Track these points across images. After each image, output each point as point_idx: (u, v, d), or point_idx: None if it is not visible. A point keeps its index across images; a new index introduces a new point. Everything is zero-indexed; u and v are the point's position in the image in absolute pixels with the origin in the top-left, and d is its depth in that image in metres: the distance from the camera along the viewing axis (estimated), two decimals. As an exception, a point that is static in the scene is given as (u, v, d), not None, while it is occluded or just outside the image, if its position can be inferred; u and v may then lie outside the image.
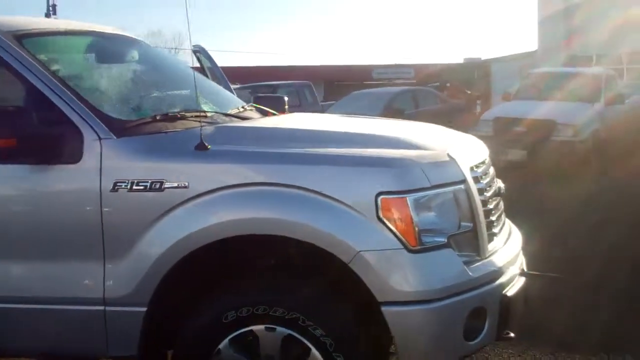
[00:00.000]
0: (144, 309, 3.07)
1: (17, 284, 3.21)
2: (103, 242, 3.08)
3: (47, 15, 49.64)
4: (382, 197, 2.89)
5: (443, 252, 2.98)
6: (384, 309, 2.90)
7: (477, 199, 3.15)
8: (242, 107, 4.06)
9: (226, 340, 3.04)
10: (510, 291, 3.21)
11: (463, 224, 3.09)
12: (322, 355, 2.95)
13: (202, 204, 3.00)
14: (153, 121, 3.28)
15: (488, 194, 3.34)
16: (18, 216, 3.21)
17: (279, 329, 2.97)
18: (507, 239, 3.56)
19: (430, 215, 2.99)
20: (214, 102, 4.12)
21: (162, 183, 3.02)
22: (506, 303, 3.15)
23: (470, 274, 3.02)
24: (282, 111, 4.97)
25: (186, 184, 3.01)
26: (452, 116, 16.92)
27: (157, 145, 3.13)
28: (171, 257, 3.01)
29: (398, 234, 2.89)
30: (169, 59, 4.65)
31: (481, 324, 3.08)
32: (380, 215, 2.89)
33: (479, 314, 3.06)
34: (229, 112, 3.84)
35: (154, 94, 3.81)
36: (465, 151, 3.36)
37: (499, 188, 3.59)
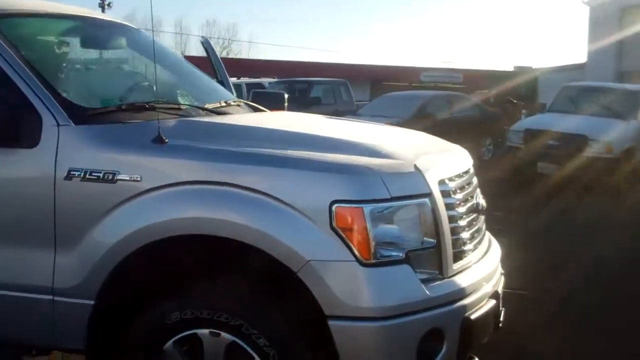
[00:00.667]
0: (92, 302, 2.99)
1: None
2: (55, 230, 3.01)
3: (102, 6, 50.33)
4: (336, 205, 2.75)
5: (399, 268, 2.83)
6: (330, 322, 2.76)
7: (444, 214, 2.99)
8: (225, 102, 3.94)
9: (170, 342, 2.93)
10: (475, 313, 3.04)
11: (426, 239, 2.94)
12: (271, 365, 2.82)
13: (152, 199, 2.90)
14: (117, 110, 3.19)
15: (461, 210, 3.17)
16: None
17: (224, 334, 2.86)
18: (482, 256, 3.38)
19: (389, 228, 2.83)
20: (199, 95, 4.02)
21: (114, 174, 2.93)
22: (468, 326, 2.98)
23: (428, 292, 2.86)
24: (280, 108, 4.86)
25: (138, 177, 2.91)
26: (488, 125, 16.61)
27: (115, 135, 3.04)
28: (119, 251, 2.92)
29: (351, 245, 2.75)
30: (160, 49, 4.55)
31: (438, 347, 2.92)
32: (334, 224, 2.75)
33: (435, 336, 2.90)
34: (206, 107, 3.73)
35: (131, 83, 3.72)
36: (440, 163, 3.20)
37: (477, 204, 3.42)
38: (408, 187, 2.90)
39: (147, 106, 3.35)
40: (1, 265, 3.09)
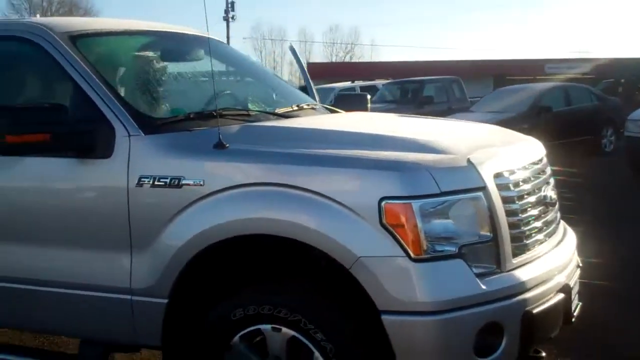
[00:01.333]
0: (165, 301, 3.17)
1: (54, 269, 3.42)
2: (130, 234, 3.22)
3: (227, 12, 51.97)
4: (385, 202, 2.80)
5: (452, 263, 2.84)
6: (383, 317, 2.81)
7: (500, 208, 2.96)
8: (297, 106, 4.06)
9: (237, 337, 3.07)
10: (538, 308, 3.00)
11: (481, 233, 2.92)
12: (324, 360, 2.91)
13: (215, 201, 3.05)
14: (185, 119, 3.37)
15: (524, 202, 3.12)
16: (56, 207, 3.42)
17: (284, 329, 2.96)
18: (552, 249, 3.32)
19: (440, 223, 2.84)
20: (276, 99, 4.17)
21: (180, 180, 3.10)
22: (529, 320, 2.94)
23: (483, 287, 2.85)
24: (363, 109, 4.93)
25: (202, 181, 3.07)
26: (610, 115, 15.90)
27: (180, 142, 3.22)
28: (187, 252, 3.09)
29: (401, 241, 2.79)
30: (238, 58, 4.74)
31: (498, 341, 2.90)
32: (384, 221, 2.80)
33: (494, 330, 2.89)
34: (276, 111, 3.86)
35: (208, 93, 3.91)
36: (499, 156, 3.16)
37: (546, 196, 3.35)
38: (460, 182, 2.90)
39: (214, 114, 3.52)
40: (83, 267, 3.34)
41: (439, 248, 2.83)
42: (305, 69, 5.86)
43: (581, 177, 10.59)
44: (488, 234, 2.93)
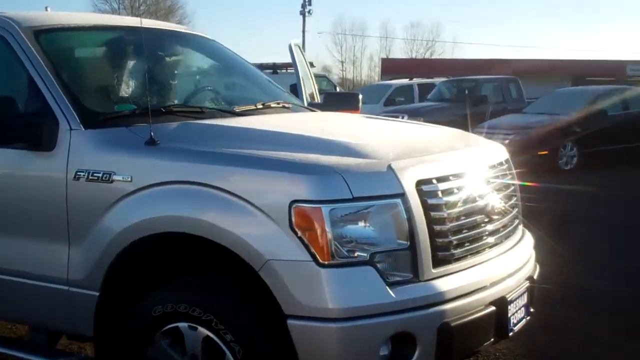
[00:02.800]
0: (97, 294, 3.23)
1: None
2: (68, 227, 3.29)
3: (303, 14, 52.24)
4: (295, 205, 2.77)
5: (361, 270, 2.79)
6: (289, 321, 2.79)
7: (420, 216, 2.89)
8: (263, 105, 4.05)
9: (159, 334, 3.10)
10: (459, 320, 2.91)
11: (398, 241, 2.86)
12: (235, 361, 2.90)
13: (140, 198, 3.09)
14: (129, 115, 3.40)
15: (451, 210, 3.04)
16: (1, 196, 3.52)
17: (200, 328, 2.97)
18: (489, 260, 3.22)
19: (351, 229, 2.80)
20: (245, 96, 4.19)
21: (110, 175, 3.15)
22: (446, 332, 2.86)
23: (393, 295, 2.79)
24: (354, 109, 4.89)
25: (130, 177, 3.11)
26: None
27: (116, 138, 3.27)
28: (114, 247, 3.14)
29: (310, 246, 2.76)
30: (224, 55, 4.76)
31: (410, 352, 2.84)
32: (293, 224, 2.77)
33: (405, 341, 2.83)
34: (234, 109, 3.86)
35: (165, 88, 3.96)
36: (429, 163, 3.08)
37: (488, 205, 3.24)
38: (375, 188, 2.85)
39: (163, 110, 3.56)
40: (27, 256, 3.43)
41: (348, 254, 2.79)
42: (307, 68, 5.88)
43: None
44: (404, 242, 2.87)
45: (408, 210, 2.87)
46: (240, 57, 4.83)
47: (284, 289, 2.78)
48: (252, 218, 2.83)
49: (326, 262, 2.75)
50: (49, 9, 5.46)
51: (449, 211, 3.04)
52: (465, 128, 15.68)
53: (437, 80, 20.79)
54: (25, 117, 3.35)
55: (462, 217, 3.12)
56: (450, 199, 3.07)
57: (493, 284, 3.17)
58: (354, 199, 2.79)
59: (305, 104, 4.96)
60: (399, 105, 18.99)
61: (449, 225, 3.03)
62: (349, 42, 68.78)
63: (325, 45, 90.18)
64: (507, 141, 13.53)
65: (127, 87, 3.66)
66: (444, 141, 3.51)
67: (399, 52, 65.52)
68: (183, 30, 4.60)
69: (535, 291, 3.58)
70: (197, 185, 2.95)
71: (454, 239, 3.05)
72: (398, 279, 2.85)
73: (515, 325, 3.31)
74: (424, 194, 2.95)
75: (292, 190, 2.79)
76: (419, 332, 2.84)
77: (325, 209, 2.75)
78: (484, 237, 3.26)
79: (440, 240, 2.98)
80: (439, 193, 3.02)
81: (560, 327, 4.87)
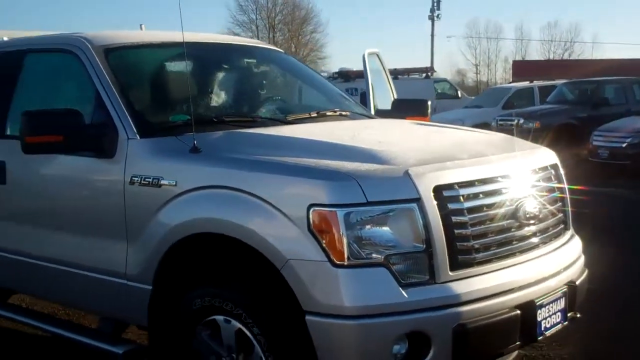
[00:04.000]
0: (150, 287, 3.54)
1: (70, 252, 3.92)
2: (126, 226, 3.62)
3: (431, 18, 51.99)
4: (313, 209, 2.94)
5: (375, 270, 2.92)
6: (307, 318, 2.96)
7: (437, 220, 2.98)
8: (317, 113, 4.24)
9: (200, 326, 3.35)
10: (477, 322, 2.98)
11: (413, 244, 2.97)
12: (262, 353, 3.11)
13: (183, 201, 3.36)
14: (181, 125, 3.68)
15: (474, 215, 3.10)
16: (72, 199, 3.92)
17: (233, 322, 3.20)
18: (519, 264, 3.25)
19: (365, 232, 2.94)
20: (301, 106, 4.41)
21: (159, 180, 3.44)
22: (462, 333, 2.94)
23: (406, 295, 2.90)
24: (422, 115, 4.99)
25: (175, 182, 3.39)
26: None
27: (165, 146, 3.56)
28: (162, 246, 3.43)
29: (326, 247, 2.92)
30: (291, 65, 5.00)
31: (424, 352, 2.94)
32: (311, 226, 2.94)
33: (419, 340, 2.93)
34: (286, 118, 4.08)
35: (223, 98, 4.23)
36: (454, 169, 3.15)
37: (519, 211, 3.27)
38: (390, 192, 2.96)
39: (215, 120, 3.83)
40: (91, 253, 3.79)
41: (363, 256, 2.92)
42: (387, 76, 6.01)
43: None
44: (420, 245, 2.97)
45: (424, 215, 2.96)
46: (310, 68, 5.04)
47: (302, 287, 2.96)
48: (275, 220, 3.03)
49: (341, 263, 2.90)
50: (143, 26, 5.90)
51: (472, 215, 3.11)
52: (583, 131, 15.10)
53: (559, 82, 20.14)
54: (90, 128, 3.70)
55: (488, 222, 3.18)
56: (475, 203, 3.14)
57: (520, 288, 3.20)
58: (369, 203, 2.92)
59: (373, 112, 5.09)
60: (517, 109, 18.57)
61: (472, 229, 3.10)
62: (483, 45, 67.44)
63: (459, 48, 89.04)
64: (624, 144, 13.02)
65: (185, 99, 3.94)
66: (480, 147, 3.55)
67: (535, 53, 63.55)
68: (251, 44, 4.88)
69: (578, 296, 3.55)
70: (229, 189, 3.19)
71: (477, 242, 3.11)
72: (414, 280, 2.96)
73: (547, 329, 3.32)
74: (444, 198, 3.04)
75: (311, 194, 2.96)
76: (433, 332, 2.93)
77: (340, 212, 2.91)
78: (514, 242, 3.29)
79: (461, 244, 3.06)
80: (461, 198, 3.09)
81: (621, 335, 4.75)
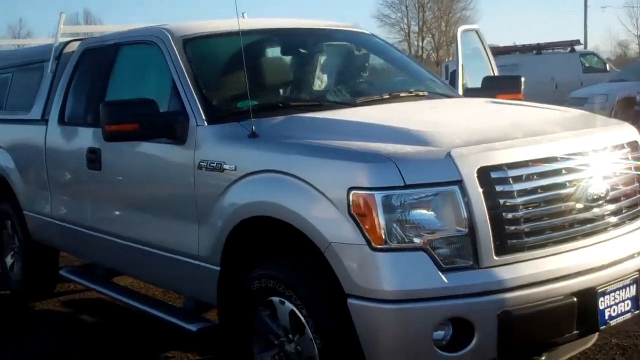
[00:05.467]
0: (218, 268, 3.68)
1: (150, 234, 4.15)
2: (197, 210, 3.78)
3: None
4: (353, 192, 2.95)
5: (413, 254, 2.89)
6: (348, 301, 2.98)
7: (481, 203, 2.89)
8: (389, 94, 4.20)
9: (260, 306, 3.45)
10: (524, 309, 2.87)
11: (455, 228, 2.90)
12: (311, 334, 3.16)
13: (241, 185, 3.47)
14: (245, 110, 3.76)
15: (525, 198, 2.98)
16: (152, 183, 4.14)
17: (287, 303, 3.27)
18: (579, 249, 3.09)
19: (404, 215, 2.90)
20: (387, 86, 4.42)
21: (222, 164, 3.57)
22: (508, 321, 2.85)
23: (445, 280, 2.85)
24: (515, 92, 4.83)
25: (234, 167, 3.50)
26: None
27: (228, 132, 3.67)
28: (225, 228, 3.56)
29: (364, 230, 2.92)
30: (379, 47, 4.99)
31: (467, 339, 2.88)
32: (351, 209, 2.95)
33: (462, 326, 2.87)
34: (355, 101, 4.08)
35: (294, 83, 4.29)
36: (506, 147, 3.04)
37: (584, 192, 3.10)
38: (430, 175, 2.91)
39: (281, 105, 3.90)
40: (170, 234, 3.99)
41: (401, 239, 2.89)
42: (487, 53, 5.83)
43: None
44: (463, 228, 2.90)
45: (467, 197, 2.89)
46: (396, 49, 5.00)
47: (344, 270, 2.97)
48: (319, 203, 3.06)
49: (379, 246, 2.89)
50: (245, 14, 6.07)
51: (524, 198, 2.99)
52: None
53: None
54: (164, 116, 3.88)
55: (544, 204, 3.04)
56: (528, 185, 3.02)
57: (578, 274, 3.04)
58: (407, 186, 2.89)
59: (461, 91, 4.97)
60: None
61: (523, 212, 2.98)
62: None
63: (618, 19, 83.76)
64: None
65: (253, 85, 4.02)
66: (544, 126, 3.38)
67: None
68: (330, 27, 4.88)
69: None
70: (279, 173, 3.25)
71: (529, 226, 2.99)
72: (456, 265, 2.90)
73: (612, 318, 3.14)
74: (491, 180, 2.94)
75: (350, 177, 2.97)
76: (476, 319, 2.86)
77: (378, 195, 2.89)
78: (576, 225, 3.13)
79: (510, 227, 2.95)
80: (510, 180, 2.98)
81: None
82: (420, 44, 55.83)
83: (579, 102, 15.98)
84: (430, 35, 55.80)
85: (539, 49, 23.00)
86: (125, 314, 5.38)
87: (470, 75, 5.59)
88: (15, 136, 5.92)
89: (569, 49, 22.92)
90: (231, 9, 3.84)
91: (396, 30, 55.54)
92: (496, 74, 5.93)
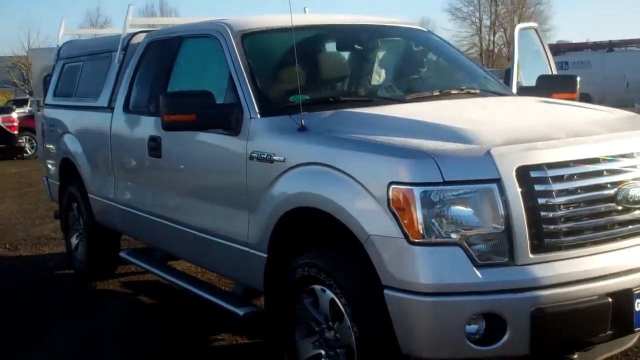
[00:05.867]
0: (265, 255, 3.83)
1: (204, 220, 4.34)
2: (247, 198, 3.94)
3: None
4: (393, 186, 3.04)
5: (448, 249, 2.96)
6: (385, 292, 3.08)
7: (519, 201, 2.95)
8: (439, 91, 4.27)
9: (303, 293, 3.58)
10: (557, 308, 2.92)
11: (492, 225, 2.97)
12: (349, 322, 3.27)
13: (289, 176, 3.61)
14: (296, 104, 3.88)
15: (564, 198, 3.02)
16: (208, 171, 4.32)
17: (327, 291, 3.39)
18: (618, 251, 3.12)
19: (442, 210, 2.98)
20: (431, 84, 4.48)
21: (272, 156, 3.71)
22: (540, 318, 2.90)
23: (480, 276, 2.92)
24: (570, 92, 4.83)
25: (283, 158, 3.64)
26: None
27: (279, 125, 3.81)
28: (273, 217, 3.70)
29: (403, 224, 3.01)
30: (434, 45, 5.06)
31: (499, 334, 2.94)
32: (390, 203, 3.05)
33: (495, 322, 2.94)
34: (405, 97, 4.16)
35: (349, 78, 4.39)
36: (547, 147, 3.08)
37: (621, 194, 3.12)
38: (469, 172, 2.98)
39: (331, 99, 4.02)
40: (223, 221, 4.17)
41: (438, 234, 2.97)
42: (546, 51, 5.81)
43: None
44: (499, 226, 2.96)
45: (504, 196, 2.95)
46: (451, 45, 5.05)
47: (382, 262, 3.07)
48: (360, 196, 3.17)
49: (417, 240, 2.98)
50: (306, 9, 6.20)
51: (563, 198, 3.03)
52: None
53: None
54: (220, 107, 4.05)
55: (583, 204, 3.07)
56: (568, 185, 3.06)
57: (615, 275, 3.07)
58: (446, 183, 2.96)
59: (515, 89, 4.98)
60: None
61: (561, 212, 3.02)
62: None
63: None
64: None
65: (306, 80, 4.14)
66: (588, 127, 3.39)
67: None
68: (387, 24, 4.97)
69: None
70: (324, 166, 3.37)
71: (567, 226, 3.03)
72: (491, 261, 2.96)
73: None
74: (530, 180, 2.99)
75: (391, 172, 3.06)
76: (508, 314, 2.91)
77: (417, 190, 2.98)
78: (616, 226, 3.15)
79: (548, 226, 3.00)
80: (549, 179, 3.02)
81: None
82: (491, 38, 55.10)
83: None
84: (502, 30, 54.93)
85: (610, 46, 22.49)
86: (180, 297, 5.60)
87: (528, 73, 5.59)
88: (83, 122, 6.22)
89: (642, 46, 22.38)
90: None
91: (467, 24, 55.09)
92: (554, 72, 5.90)
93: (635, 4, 76.10)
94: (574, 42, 24.21)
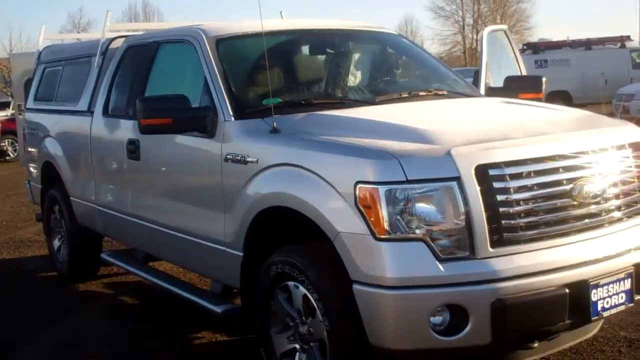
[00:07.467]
0: (241, 254, 3.97)
1: (182, 221, 4.47)
2: (223, 199, 4.07)
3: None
4: (359, 185, 3.19)
5: (413, 245, 3.11)
6: (354, 286, 3.22)
7: (477, 198, 3.10)
8: (408, 93, 4.42)
9: (278, 289, 3.72)
10: (516, 298, 3.08)
11: (453, 221, 3.12)
12: (321, 317, 3.41)
13: (261, 177, 3.75)
14: (269, 107, 4.02)
15: (521, 195, 3.18)
16: (183, 172, 4.45)
17: (300, 287, 3.53)
18: (573, 244, 3.28)
19: (405, 208, 3.12)
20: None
21: (245, 157, 3.85)
22: (500, 308, 3.06)
23: (442, 269, 3.07)
24: (536, 92, 4.99)
25: (256, 160, 3.77)
26: None
27: (252, 127, 3.95)
28: (248, 217, 3.84)
29: (369, 221, 3.16)
30: (407, 49, 5.22)
31: (462, 324, 3.09)
32: (358, 202, 3.19)
33: (457, 313, 3.08)
34: (375, 99, 4.31)
35: (319, 82, 4.54)
36: (505, 147, 3.24)
37: (576, 190, 3.28)
38: (430, 171, 3.13)
39: (303, 102, 4.16)
40: (199, 221, 4.30)
41: (402, 230, 3.12)
42: (515, 53, 5.98)
43: None
44: (460, 222, 3.11)
45: (464, 193, 3.10)
46: (420, 48, 5.20)
47: (350, 258, 3.22)
48: (330, 196, 3.31)
49: (382, 237, 3.13)
50: (282, 13, 6.32)
51: (521, 194, 3.18)
52: None
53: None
54: (196, 111, 4.18)
55: (540, 200, 3.23)
56: (524, 182, 3.21)
57: (571, 267, 3.22)
58: (409, 181, 3.11)
59: (483, 91, 5.13)
60: None
61: (519, 207, 3.17)
62: None
63: None
64: None
65: (280, 83, 4.28)
66: (546, 126, 3.56)
67: None
68: (356, 27, 5.11)
69: None
70: (295, 167, 3.52)
71: (524, 221, 3.18)
72: (453, 255, 3.11)
73: (605, 310, 3.31)
74: (489, 177, 3.14)
75: (357, 172, 3.21)
76: (470, 306, 3.07)
77: (381, 189, 3.13)
78: (571, 221, 3.30)
79: (507, 221, 3.15)
80: (507, 177, 3.18)
81: None
82: (474, 36, 55.41)
83: (626, 99, 15.88)
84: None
85: (588, 44, 22.78)
86: (162, 297, 5.72)
87: (497, 74, 5.75)
88: (64, 126, 6.33)
89: (619, 44, 22.67)
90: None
91: (450, 22, 55.38)
92: (524, 73, 6.07)
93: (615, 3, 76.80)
94: (554, 40, 24.47)
